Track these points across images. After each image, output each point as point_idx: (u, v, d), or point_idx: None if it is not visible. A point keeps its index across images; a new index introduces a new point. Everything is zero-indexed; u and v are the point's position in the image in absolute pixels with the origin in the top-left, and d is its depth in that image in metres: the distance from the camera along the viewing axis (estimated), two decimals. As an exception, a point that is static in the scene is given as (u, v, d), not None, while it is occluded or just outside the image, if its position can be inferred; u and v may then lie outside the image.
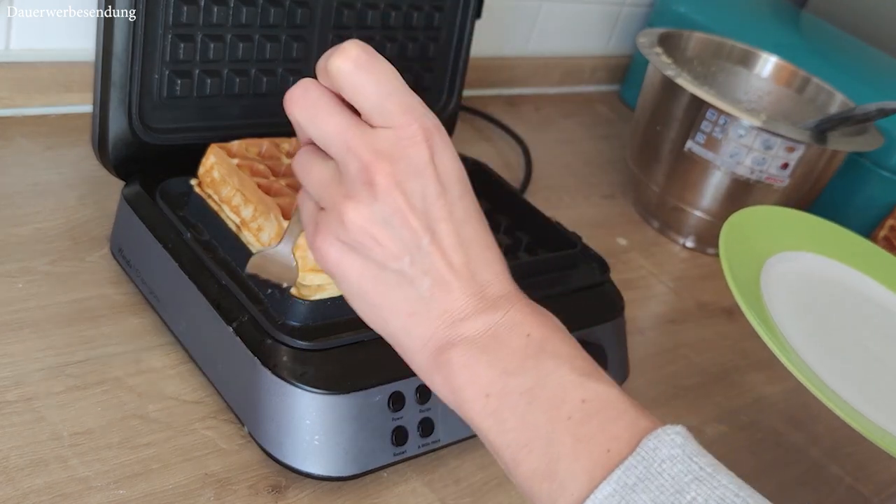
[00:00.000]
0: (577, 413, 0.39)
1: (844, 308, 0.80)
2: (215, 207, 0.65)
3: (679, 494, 0.36)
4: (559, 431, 0.39)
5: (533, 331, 0.40)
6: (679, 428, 0.39)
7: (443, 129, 0.41)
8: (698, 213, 1.01)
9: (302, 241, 0.56)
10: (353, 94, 0.40)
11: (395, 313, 0.41)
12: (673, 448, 0.38)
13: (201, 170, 0.67)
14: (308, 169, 0.43)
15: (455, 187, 0.41)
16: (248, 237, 0.63)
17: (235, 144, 0.68)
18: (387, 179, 0.39)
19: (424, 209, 0.40)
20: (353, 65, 0.40)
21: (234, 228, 0.64)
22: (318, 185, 0.42)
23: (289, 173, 0.67)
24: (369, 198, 0.39)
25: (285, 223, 0.60)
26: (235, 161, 0.66)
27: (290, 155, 0.70)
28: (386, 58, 0.80)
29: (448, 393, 0.41)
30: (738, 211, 0.78)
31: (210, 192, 0.66)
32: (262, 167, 0.66)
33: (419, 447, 0.61)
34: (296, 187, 0.65)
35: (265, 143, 0.70)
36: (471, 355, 0.40)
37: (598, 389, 0.39)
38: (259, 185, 0.63)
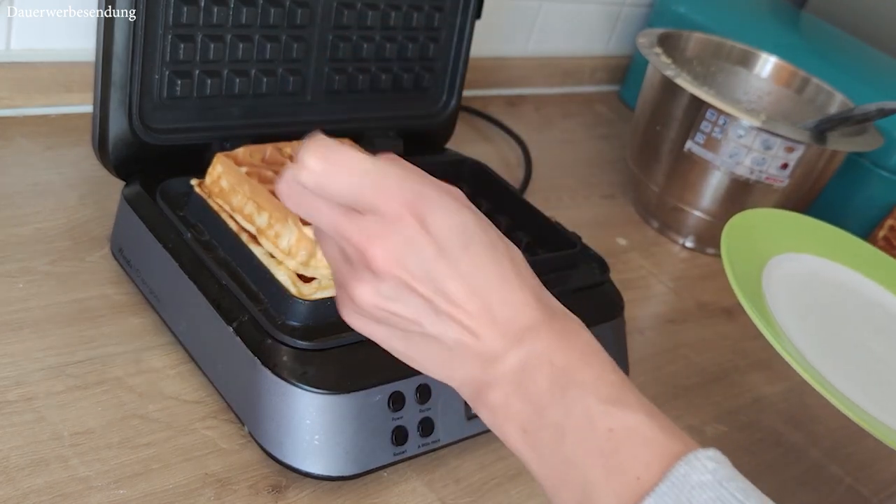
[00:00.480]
0: (605, 444, 0.39)
1: (846, 309, 0.80)
2: (219, 211, 0.65)
3: None
4: (590, 463, 0.39)
5: (556, 358, 0.41)
6: (712, 452, 0.39)
7: (429, 186, 0.41)
8: (698, 213, 1.02)
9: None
10: (329, 197, 0.41)
11: (431, 364, 0.43)
12: (704, 474, 0.38)
13: (208, 180, 0.67)
14: (322, 245, 0.44)
15: (455, 242, 0.41)
16: (266, 245, 0.62)
17: (240, 152, 0.68)
18: (383, 261, 0.40)
19: (428, 276, 0.40)
20: (315, 176, 0.40)
21: (235, 227, 0.63)
22: (331, 261, 0.44)
23: None
24: (373, 278, 0.41)
25: (306, 229, 0.60)
26: (244, 169, 0.66)
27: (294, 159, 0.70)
28: (386, 59, 0.81)
29: (493, 427, 0.43)
30: (738, 213, 0.78)
31: (220, 201, 0.66)
32: (269, 174, 0.66)
33: (419, 447, 0.61)
34: None
35: (268, 149, 0.70)
36: (506, 393, 0.41)
37: (624, 417, 0.40)
38: (271, 192, 0.63)
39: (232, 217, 0.65)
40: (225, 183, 0.66)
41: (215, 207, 0.65)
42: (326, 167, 0.40)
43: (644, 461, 0.39)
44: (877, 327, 0.79)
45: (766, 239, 0.79)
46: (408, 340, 0.43)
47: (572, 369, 0.41)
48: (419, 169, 0.42)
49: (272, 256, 0.61)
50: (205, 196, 0.66)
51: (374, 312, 0.42)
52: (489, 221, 0.43)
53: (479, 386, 0.42)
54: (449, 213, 0.41)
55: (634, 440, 0.39)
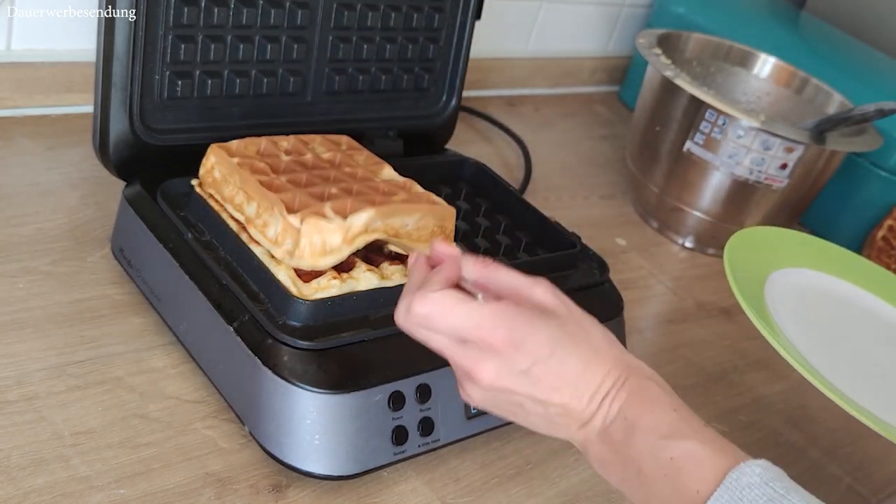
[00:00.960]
0: (669, 470, 0.49)
1: (846, 320, 0.80)
2: (216, 207, 0.65)
3: None
4: (663, 486, 0.49)
5: (628, 412, 0.50)
6: (762, 461, 0.48)
7: (519, 315, 0.49)
8: (697, 214, 1.02)
9: (310, 224, 0.59)
10: (438, 332, 0.50)
11: (538, 428, 0.53)
12: (752, 477, 0.47)
13: (202, 170, 0.67)
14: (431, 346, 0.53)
15: (544, 352, 0.49)
16: (254, 234, 0.63)
17: (234, 144, 0.68)
18: (487, 380, 0.49)
19: (525, 381, 0.49)
20: (422, 320, 0.49)
21: (236, 227, 0.64)
22: (448, 360, 0.52)
23: (289, 170, 0.68)
24: (479, 387, 0.50)
25: (290, 218, 0.60)
26: (235, 160, 0.66)
27: (289, 152, 0.70)
28: (386, 59, 0.82)
29: (599, 471, 0.53)
30: (737, 232, 0.79)
31: (212, 192, 0.66)
32: (262, 165, 0.66)
33: (419, 446, 0.61)
34: (297, 183, 0.66)
35: (263, 142, 0.70)
36: (597, 446, 0.52)
37: (683, 446, 0.49)
38: (261, 182, 0.63)
39: (223, 207, 0.65)
40: (217, 173, 0.66)
41: (211, 202, 0.65)
42: (430, 317, 0.49)
43: (700, 477, 0.48)
44: (877, 337, 0.80)
45: (766, 255, 0.80)
46: (514, 413, 0.52)
47: (639, 418, 0.50)
48: (515, 288, 0.51)
49: (272, 256, 0.62)
50: (205, 196, 0.66)
51: (481, 402, 0.52)
52: (568, 313, 0.51)
53: (582, 442, 0.52)
54: (537, 332, 0.49)
55: (692, 462, 0.48)
